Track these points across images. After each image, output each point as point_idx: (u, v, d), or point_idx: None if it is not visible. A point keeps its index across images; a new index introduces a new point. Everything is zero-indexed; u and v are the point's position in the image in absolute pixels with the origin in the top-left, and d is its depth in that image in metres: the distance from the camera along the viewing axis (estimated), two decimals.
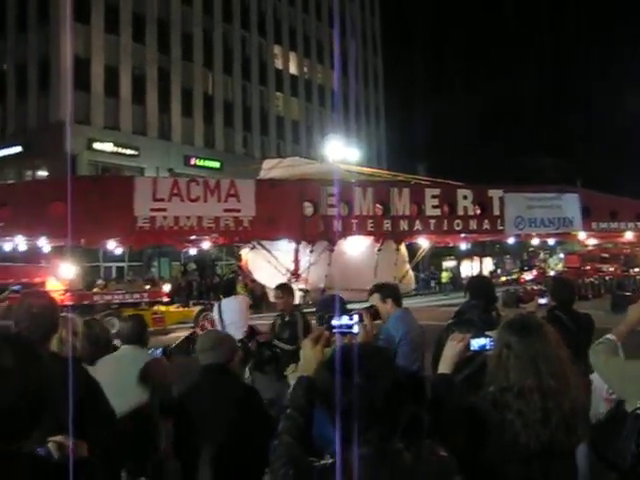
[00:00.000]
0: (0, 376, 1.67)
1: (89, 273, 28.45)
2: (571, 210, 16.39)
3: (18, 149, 40.76)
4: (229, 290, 9.46)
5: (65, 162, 37.40)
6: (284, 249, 12.90)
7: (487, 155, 61.03)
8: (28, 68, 41.17)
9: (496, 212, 15.36)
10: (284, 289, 7.95)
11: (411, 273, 15.50)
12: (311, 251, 12.87)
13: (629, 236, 16.74)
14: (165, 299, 22.45)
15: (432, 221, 14.48)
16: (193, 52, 46.78)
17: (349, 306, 5.34)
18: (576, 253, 37.05)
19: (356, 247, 13.47)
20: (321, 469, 1.90)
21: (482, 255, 57.91)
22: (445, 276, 47.82)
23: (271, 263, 12.73)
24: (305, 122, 55.85)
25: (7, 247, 13.35)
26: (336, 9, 61.70)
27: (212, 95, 48.13)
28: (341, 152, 29.69)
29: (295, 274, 12.59)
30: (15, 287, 19.89)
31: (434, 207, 14.55)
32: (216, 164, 45.60)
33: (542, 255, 50.59)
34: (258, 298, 18.78)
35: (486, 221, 15.31)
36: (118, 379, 4.61)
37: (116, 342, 5.42)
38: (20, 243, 12.49)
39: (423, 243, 15.92)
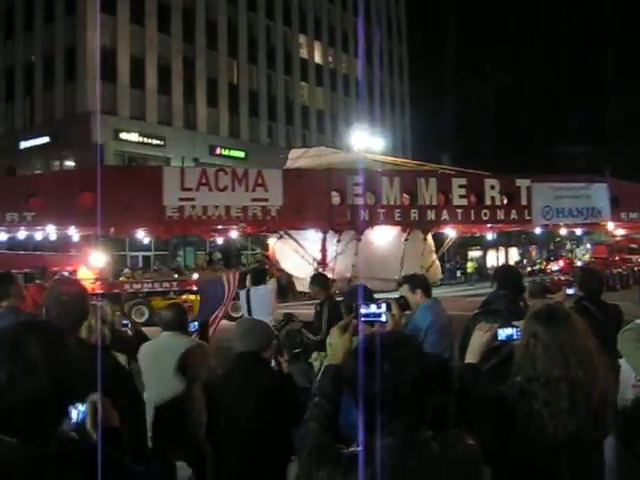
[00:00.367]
0: (27, 367, 1.68)
1: (116, 262, 28.71)
2: (600, 200, 16.21)
3: (45, 140, 41.16)
4: (259, 279, 9.44)
5: (92, 152, 37.74)
6: (311, 238, 12.92)
7: (514, 144, 60.45)
8: (55, 59, 41.51)
9: (524, 202, 15.24)
10: (314, 279, 7.95)
11: (437, 263, 15.44)
12: (338, 241, 12.87)
13: None
14: (194, 288, 22.59)
15: (459, 211, 14.41)
16: (218, 41, 46.82)
17: (376, 296, 5.35)
18: (604, 243, 36.63)
19: (383, 237, 13.44)
20: (349, 456, 1.90)
21: (508, 245, 57.47)
22: (470, 266, 47.54)
23: (298, 252, 12.77)
24: (330, 111, 55.70)
25: (38, 236, 13.57)
26: None
27: (237, 85, 48.17)
28: (366, 141, 29.62)
29: (322, 263, 12.62)
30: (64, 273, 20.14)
31: (461, 197, 14.48)
32: (241, 154, 45.70)
33: (569, 245, 50.21)
34: (284, 287, 18.84)
35: (513, 211, 15.20)
36: (159, 365, 4.79)
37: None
38: (51, 232, 12.68)
39: (450, 233, 15.85)
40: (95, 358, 2.20)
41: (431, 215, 14.02)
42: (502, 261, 58.81)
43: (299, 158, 15.18)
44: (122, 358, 4.69)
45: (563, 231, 19.43)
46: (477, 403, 2.56)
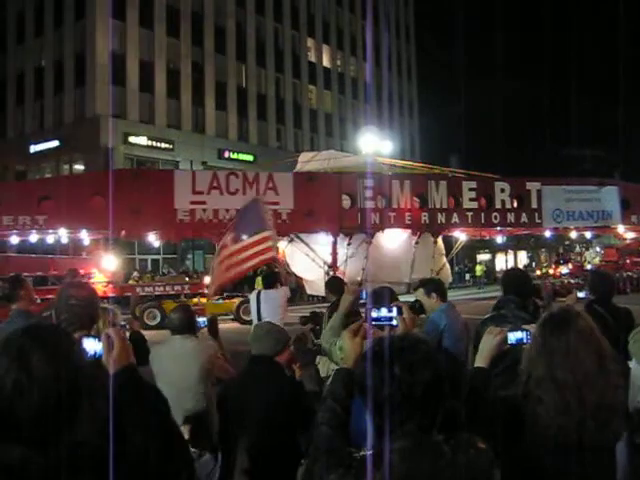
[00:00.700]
0: (32, 377, 1.67)
1: (125, 265, 28.81)
2: (610, 203, 16.19)
3: (55, 143, 41.36)
4: (270, 282, 9.37)
5: (101, 155, 37.91)
6: (322, 242, 12.95)
7: (523, 146, 60.32)
8: (65, 64, 41.70)
9: (534, 205, 15.25)
10: (327, 284, 7.91)
11: (448, 266, 15.46)
12: (349, 244, 12.89)
13: None
14: (206, 291, 22.65)
15: (469, 214, 14.43)
16: (226, 45, 46.92)
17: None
18: (614, 246, 36.49)
19: (393, 240, 13.46)
20: (360, 460, 1.89)
21: (517, 248, 57.25)
22: (479, 269, 47.35)
23: (309, 256, 12.79)
24: (338, 115, 55.68)
25: (50, 239, 13.64)
26: (369, 1, 61.34)
27: (246, 88, 48.25)
28: (374, 144, 29.61)
29: (333, 267, 12.63)
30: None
31: (471, 200, 14.50)
32: (249, 157, 45.76)
33: (578, 248, 49.91)
34: (293, 291, 18.86)
35: (524, 214, 15.21)
36: (171, 367, 4.83)
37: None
38: (62, 236, 12.74)
39: (460, 236, 15.85)
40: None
41: (441, 218, 14.04)
42: (511, 264, 58.73)
43: (309, 162, 15.22)
44: None
45: (573, 234, 19.37)
46: (487, 407, 2.55)
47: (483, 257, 53.19)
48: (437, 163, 20.13)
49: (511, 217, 15.11)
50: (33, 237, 13.44)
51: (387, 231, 13.34)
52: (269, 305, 8.76)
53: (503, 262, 57.94)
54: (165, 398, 2.18)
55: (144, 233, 13.40)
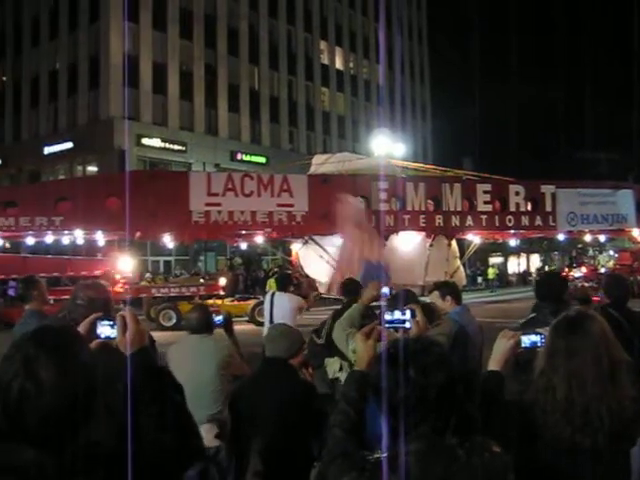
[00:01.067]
0: (38, 382, 1.67)
1: (137, 267, 28.93)
2: (625, 206, 16.11)
3: (69, 145, 41.62)
4: (284, 283, 9.37)
5: (114, 157, 38.11)
6: (336, 244, 12.94)
7: (537, 150, 60.07)
8: (79, 66, 41.97)
9: (548, 208, 15.17)
10: (343, 284, 7.90)
11: (462, 269, 15.41)
12: None
13: None
14: (221, 292, 22.73)
15: (484, 217, 14.37)
16: (239, 48, 47.05)
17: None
18: (628, 250, 36.24)
19: (407, 242, 13.44)
20: (374, 463, 1.89)
21: (529, 251, 57.00)
22: (491, 272, 47.18)
23: (323, 258, 12.78)
24: (351, 117, 55.69)
25: (65, 241, 13.71)
26: (382, 3, 61.34)
27: (258, 90, 48.36)
28: (387, 147, 29.56)
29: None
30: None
31: (486, 203, 14.45)
32: (262, 159, 45.85)
33: (591, 252, 49.70)
34: (304, 293, 18.84)
35: (538, 217, 15.13)
36: (190, 366, 4.88)
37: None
38: (78, 237, 12.82)
39: (474, 239, 15.81)
40: (115, 360, 2.20)
41: (456, 221, 14.00)
42: (523, 268, 58.46)
43: (323, 164, 15.22)
44: None
45: (588, 237, 19.28)
46: (500, 410, 2.54)
47: (495, 260, 52.95)
48: (449, 166, 20.13)
49: (525, 220, 15.03)
50: (49, 238, 13.51)
51: (401, 233, 13.32)
52: (281, 308, 8.75)
53: (515, 265, 57.76)
54: (179, 383, 2.19)
55: (159, 235, 13.43)
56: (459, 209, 13.99)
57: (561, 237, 18.57)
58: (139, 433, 1.83)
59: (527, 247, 51.40)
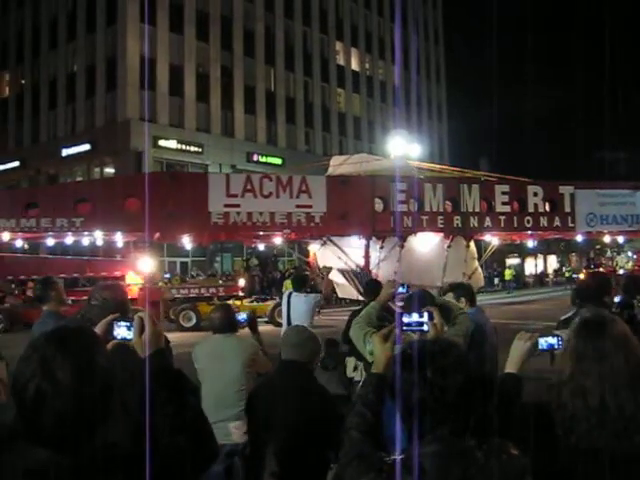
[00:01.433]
0: (55, 383, 1.67)
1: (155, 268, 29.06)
2: None
3: (87, 147, 41.89)
4: (300, 284, 9.41)
5: (131, 159, 38.36)
6: (354, 245, 12.94)
7: (555, 150, 59.72)
8: (96, 68, 42.26)
9: (567, 209, 15.07)
10: (365, 284, 7.91)
11: (480, 270, 15.35)
12: (381, 247, 12.88)
13: None
14: (240, 293, 22.85)
15: (502, 218, 14.31)
16: (255, 49, 47.17)
17: None
18: None
19: (426, 243, 13.41)
20: (391, 464, 1.88)
21: (546, 252, 56.71)
22: (508, 273, 46.97)
23: (341, 259, 12.79)
24: (367, 118, 55.63)
25: (85, 242, 13.80)
26: (398, 3, 61.31)
27: (274, 92, 48.45)
28: (403, 148, 29.53)
29: (365, 270, 12.62)
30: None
31: (504, 204, 14.37)
32: (278, 161, 45.92)
33: (609, 253, 49.39)
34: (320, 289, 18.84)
35: (557, 218, 15.03)
36: (215, 365, 5.05)
37: None
38: (98, 238, 12.90)
39: (492, 240, 15.74)
40: (131, 360, 2.22)
41: (474, 222, 13.94)
42: (541, 269, 58.17)
43: (341, 165, 15.21)
44: None
45: (607, 239, 19.14)
46: (517, 413, 2.51)
47: (512, 261, 52.71)
48: (466, 166, 20.03)
49: (544, 221, 14.93)
50: (69, 239, 13.61)
51: (419, 234, 13.29)
52: (298, 309, 8.81)
53: (532, 266, 57.46)
54: (194, 385, 2.21)
55: (178, 236, 13.49)
56: (477, 210, 13.93)
57: (579, 238, 18.44)
58: (155, 434, 1.83)
59: (544, 248, 51.12)
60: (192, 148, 42.14)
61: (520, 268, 53.76)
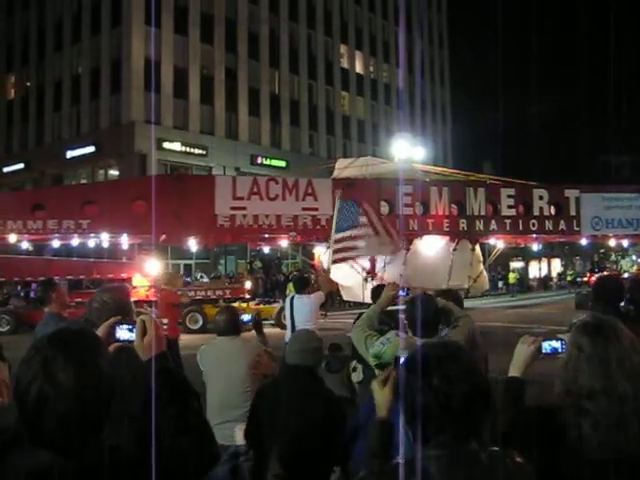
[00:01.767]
0: (56, 385, 1.67)
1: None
2: None
3: (91, 149, 41.97)
4: (302, 286, 9.43)
5: (136, 161, 38.42)
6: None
7: (559, 154, 59.63)
8: (101, 70, 42.35)
9: (572, 212, 15.07)
10: (373, 290, 7.92)
11: (485, 273, 15.36)
12: None
13: None
14: (247, 296, 22.87)
15: (508, 221, 14.31)
16: (260, 52, 47.23)
17: None
18: None
19: (431, 247, 13.41)
20: (394, 467, 1.87)
21: (551, 256, 56.62)
22: (512, 277, 46.93)
23: (347, 262, 12.77)
24: (371, 121, 55.67)
25: (91, 244, 13.84)
26: (402, 7, 61.28)
27: (278, 94, 48.49)
28: (407, 151, 29.55)
29: (371, 273, 12.62)
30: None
31: (509, 207, 14.38)
32: (282, 163, 45.94)
33: (613, 257, 49.30)
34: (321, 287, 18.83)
35: (562, 222, 15.03)
36: (220, 367, 5.11)
37: None
38: (104, 240, 12.92)
39: (497, 243, 15.74)
40: (133, 362, 2.22)
41: (479, 225, 13.95)
42: (545, 272, 58.07)
43: (347, 168, 15.22)
44: None
45: (612, 242, 19.10)
46: (521, 416, 2.50)
47: (516, 265, 52.64)
48: (470, 170, 20.03)
49: (549, 224, 14.94)
50: (75, 241, 13.63)
51: (425, 238, 13.30)
52: (302, 311, 8.83)
53: (536, 270, 57.35)
54: (196, 391, 2.19)
55: (184, 238, 13.51)
56: (483, 213, 13.94)
57: (584, 242, 18.44)
58: (157, 437, 1.83)
59: (548, 252, 51.04)
60: (196, 150, 42.19)
61: (524, 271, 53.68)
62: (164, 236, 13.10)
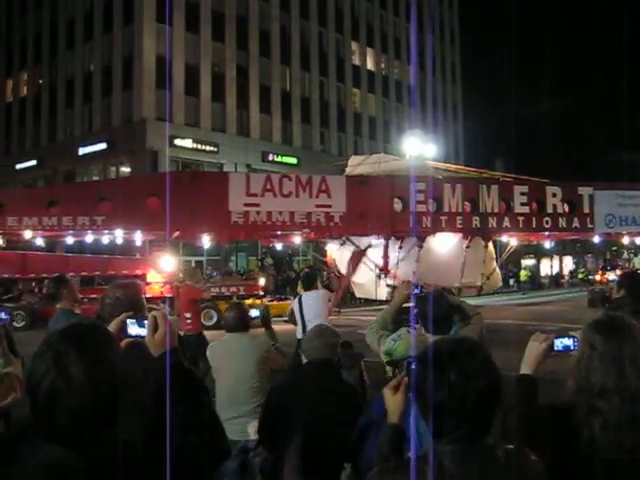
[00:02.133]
0: (68, 380, 1.68)
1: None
2: None
3: (103, 146, 42.18)
4: (309, 283, 9.43)
5: (147, 158, 38.54)
6: (373, 245, 12.91)
7: (571, 151, 59.32)
8: (113, 68, 42.55)
9: (586, 210, 14.97)
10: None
11: (498, 271, 15.28)
12: (400, 247, 12.83)
13: None
14: (261, 292, 22.92)
15: (521, 218, 14.22)
16: (271, 49, 47.30)
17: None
18: None
19: (444, 244, 13.36)
20: (407, 462, 1.87)
21: (562, 254, 56.40)
22: (524, 274, 46.78)
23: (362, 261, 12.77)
24: (382, 118, 55.63)
25: (105, 240, 13.86)
26: (413, 3, 61.17)
27: (290, 92, 48.54)
28: (418, 148, 29.49)
29: (384, 270, 12.59)
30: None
31: (523, 204, 14.28)
32: (293, 160, 45.99)
33: (626, 254, 49.02)
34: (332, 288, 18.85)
35: (575, 219, 14.93)
36: (229, 364, 5.18)
37: None
38: (118, 237, 12.93)
39: (510, 241, 15.68)
40: (144, 357, 2.23)
41: (493, 222, 13.86)
42: (556, 270, 57.84)
43: (359, 165, 15.17)
44: None
45: (625, 240, 18.99)
46: (534, 414, 2.50)
47: (528, 262, 52.45)
48: (482, 167, 19.97)
49: (563, 222, 14.82)
50: (89, 237, 13.67)
51: (438, 235, 13.25)
52: (311, 307, 8.85)
53: (548, 267, 57.15)
54: (206, 386, 2.22)
55: (198, 234, 13.50)
56: (496, 211, 13.86)
57: (596, 239, 18.34)
58: (169, 432, 1.85)
59: (560, 249, 50.83)
60: (208, 147, 42.31)
61: (535, 269, 53.51)
62: (178, 232, 13.10)
